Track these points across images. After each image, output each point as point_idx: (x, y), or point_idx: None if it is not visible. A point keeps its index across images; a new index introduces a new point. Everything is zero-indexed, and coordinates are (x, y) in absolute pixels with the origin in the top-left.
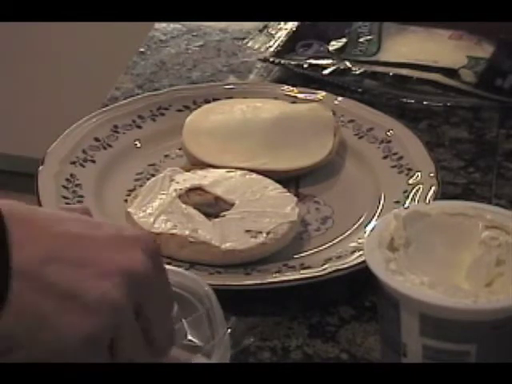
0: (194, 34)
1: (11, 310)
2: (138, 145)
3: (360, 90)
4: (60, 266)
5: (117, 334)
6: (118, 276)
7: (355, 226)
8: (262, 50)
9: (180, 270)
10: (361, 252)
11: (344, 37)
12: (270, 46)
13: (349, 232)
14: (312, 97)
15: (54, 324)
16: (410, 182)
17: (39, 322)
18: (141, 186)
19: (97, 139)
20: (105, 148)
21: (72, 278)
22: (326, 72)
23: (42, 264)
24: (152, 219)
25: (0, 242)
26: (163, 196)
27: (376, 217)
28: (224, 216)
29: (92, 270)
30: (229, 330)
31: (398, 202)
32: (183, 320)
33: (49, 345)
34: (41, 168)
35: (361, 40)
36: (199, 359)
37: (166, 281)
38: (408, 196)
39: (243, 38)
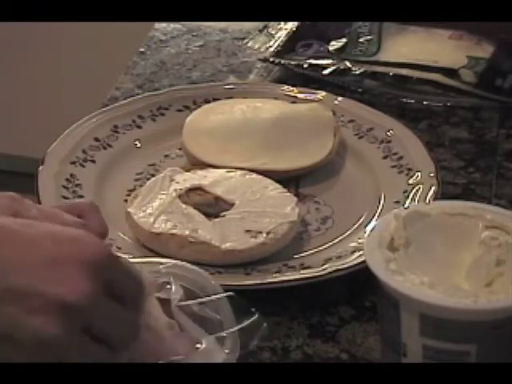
0: (194, 34)
1: None
2: (138, 145)
3: (360, 89)
4: None
5: (64, 360)
6: (53, 310)
7: (355, 226)
8: (262, 50)
9: (189, 265)
10: (361, 252)
11: (344, 37)
12: (270, 46)
13: (349, 232)
14: (312, 97)
15: None
16: (410, 182)
17: None
18: (141, 186)
19: (97, 139)
20: (105, 148)
21: (3, 316)
22: (326, 72)
23: None
24: (152, 219)
25: None
26: (163, 196)
27: (376, 217)
28: (224, 216)
29: (24, 304)
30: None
31: (398, 202)
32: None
33: None
34: (41, 168)
35: (361, 40)
36: (210, 339)
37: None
38: (408, 196)
39: (243, 38)
